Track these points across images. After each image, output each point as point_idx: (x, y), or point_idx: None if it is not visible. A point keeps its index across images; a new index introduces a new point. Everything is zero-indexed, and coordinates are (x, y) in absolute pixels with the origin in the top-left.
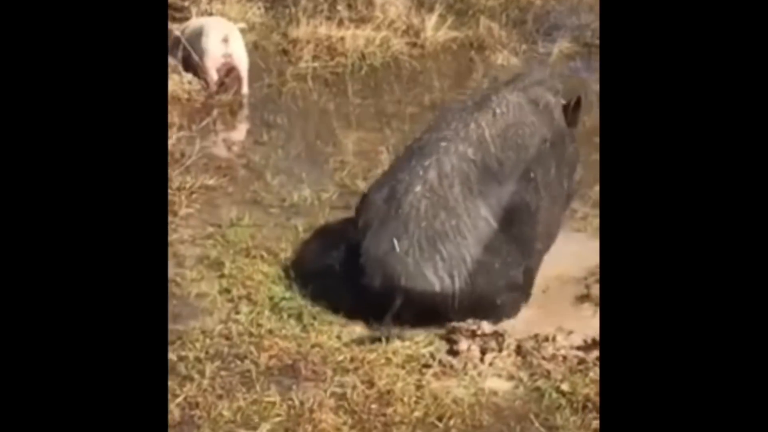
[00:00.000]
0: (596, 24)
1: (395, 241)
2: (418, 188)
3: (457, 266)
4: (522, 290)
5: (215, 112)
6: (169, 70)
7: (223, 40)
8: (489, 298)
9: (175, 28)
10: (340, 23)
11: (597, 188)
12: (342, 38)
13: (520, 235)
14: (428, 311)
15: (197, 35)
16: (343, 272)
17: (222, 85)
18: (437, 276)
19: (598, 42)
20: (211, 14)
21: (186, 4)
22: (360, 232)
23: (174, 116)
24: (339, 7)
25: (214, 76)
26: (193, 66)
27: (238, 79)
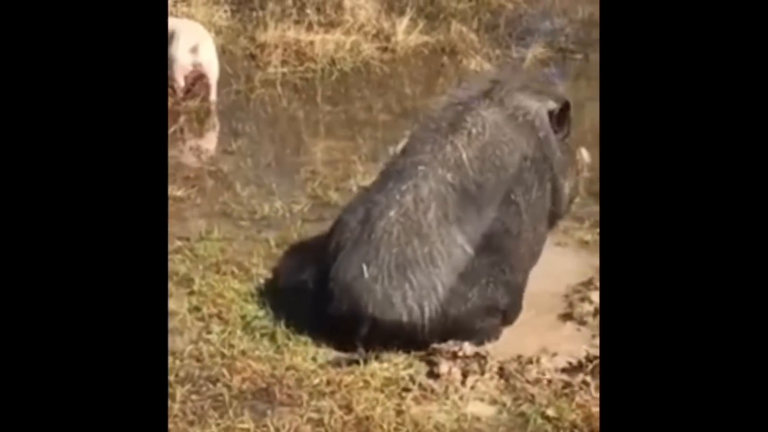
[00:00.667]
0: (569, 29)
1: (364, 267)
2: (392, 213)
3: (427, 296)
4: (504, 313)
5: (182, 119)
6: None
7: (191, 50)
8: (466, 325)
9: None
10: (309, 27)
11: (577, 200)
12: (311, 43)
13: (501, 260)
14: (397, 339)
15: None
16: (313, 294)
17: (189, 91)
18: (405, 305)
19: (572, 47)
20: (177, 17)
21: None
22: (331, 255)
23: None
24: (308, 11)
25: (181, 83)
26: None
27: (207, 85)
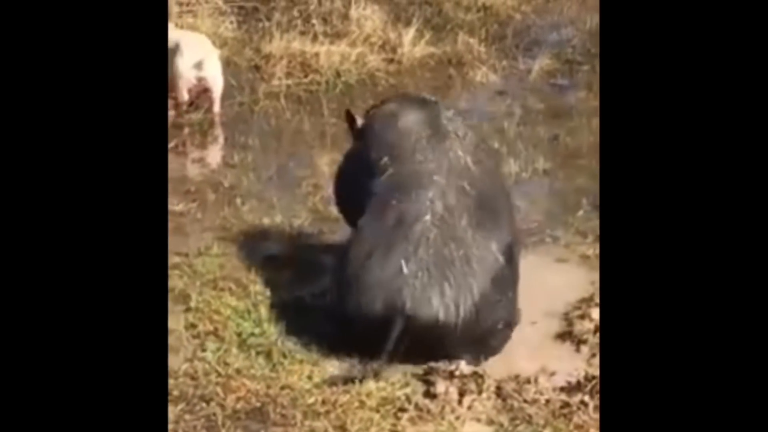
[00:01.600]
0: (577, 40)
1: (403, 263)
2: (427, 218)
3: (463, 296)
4: (511, 328)
5: (185, 132)
6: None
7: (195, 65)
8: (490, 333)
9: None
10: (315, 38)
11: (580, 213)
12: (316, 54)
13: (516, 271)
14: (428, 340)
15: (171, 53)
16: (336, 301)
17: (192, 104)
18: (443, 302)
19: (579, 58)
20: (182, 28)
21: None
22: (360, 258)
23: None
24: (313, 22)
25: (184, 96)
26: None
27: (210, 98)
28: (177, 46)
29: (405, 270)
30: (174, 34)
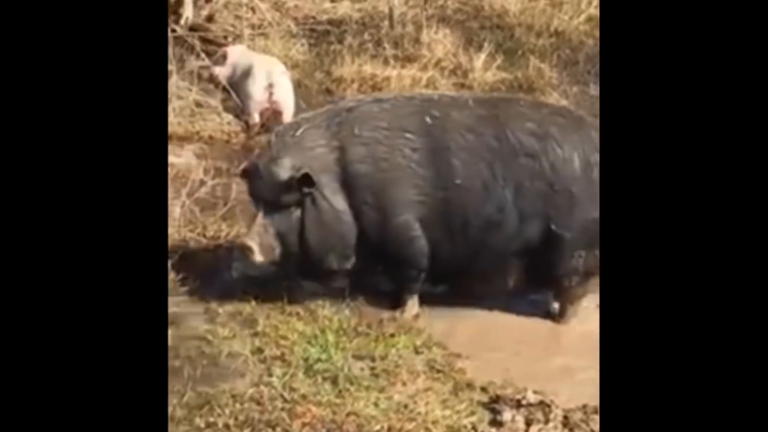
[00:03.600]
0: None
1: None
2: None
3: None
4: None
5: (255, 154)
6: (209, 111)
7: (267, 87)
8: None
9: (215, 69)
10: (386, 62)
11: None
12: (387, 78)
13: None
14: None
15: (244, 75)
16: None
17: (263, 125)
18: None
19: None
20: (254, 50)
21: (229, 40)
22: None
23: (210, 160)
24: (385, 45)
25: (256, 119)
26: (238, 107)
27: (281, 122)
28: (250, 69)
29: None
30: (247, 56)
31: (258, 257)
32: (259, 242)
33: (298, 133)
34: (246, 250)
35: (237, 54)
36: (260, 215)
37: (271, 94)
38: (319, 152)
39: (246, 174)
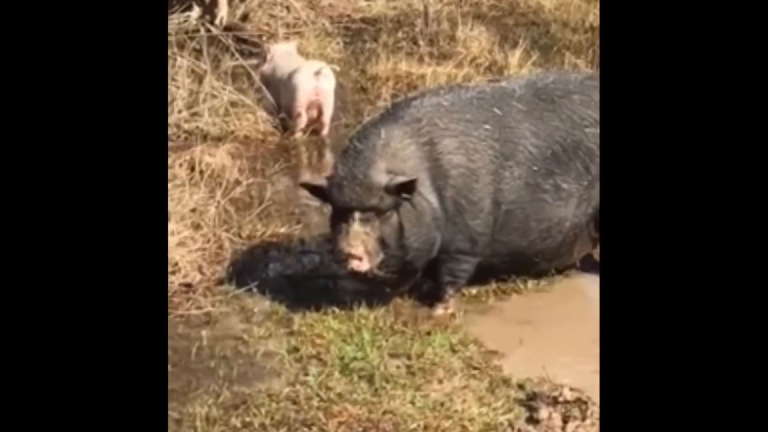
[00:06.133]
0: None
1: None
2: None
3: None
4: None
5: (292, 153)
6: (244, 110)
7: (315, 74)
8: None
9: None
10: (421, 59)
11: None
12: (422, 75)
13: None
14: None
15: (290, 75)
16: None
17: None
18: None
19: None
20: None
21: (264, 39)
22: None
23: (245, 160)
24: (420, 43)
25: (303, 116)
26: (273, 106)
27: (321, 121)
28: (298, 68)
29: None
30: (287, 62)
31: (365, 265)
32: (365, 250)
33: (383, 135)
34: (352, 260)
35: (281, 52)
36: (356, 223)
37: (318, 81)
38: (410, 151)
39: (330, 183)
